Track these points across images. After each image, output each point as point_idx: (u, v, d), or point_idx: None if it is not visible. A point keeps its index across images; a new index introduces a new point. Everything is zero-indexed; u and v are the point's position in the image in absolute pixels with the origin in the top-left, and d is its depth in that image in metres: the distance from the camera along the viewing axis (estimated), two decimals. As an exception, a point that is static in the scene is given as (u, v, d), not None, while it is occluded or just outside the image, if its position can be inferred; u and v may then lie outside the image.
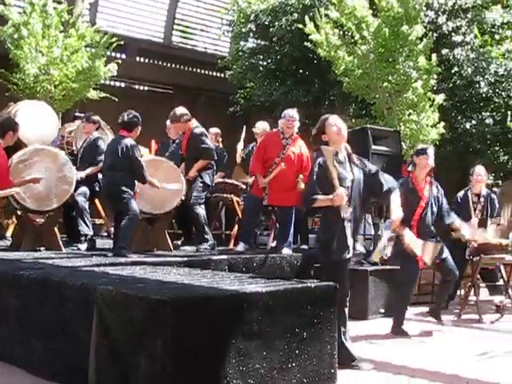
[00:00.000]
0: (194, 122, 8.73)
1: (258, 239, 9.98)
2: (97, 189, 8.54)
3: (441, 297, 7.35)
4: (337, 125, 5.31)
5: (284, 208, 8.55)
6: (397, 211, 5.34)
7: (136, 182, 7.57)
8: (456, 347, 6.28)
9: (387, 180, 5.35)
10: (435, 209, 6.88)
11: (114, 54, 12.41)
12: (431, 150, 7.00)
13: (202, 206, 8.53)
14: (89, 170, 8.43)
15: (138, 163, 7.47)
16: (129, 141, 7.45)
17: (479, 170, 8.63)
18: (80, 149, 8.91)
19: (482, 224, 8.58)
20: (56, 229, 7.84)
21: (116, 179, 7.41)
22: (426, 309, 7.56)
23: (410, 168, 7.07)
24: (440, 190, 7.02)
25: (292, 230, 8.60)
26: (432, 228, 6.88)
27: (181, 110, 8.76)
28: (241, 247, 8.39)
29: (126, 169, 7.41)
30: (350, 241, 5.12)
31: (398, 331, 6.67)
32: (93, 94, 11.30)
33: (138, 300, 3.97)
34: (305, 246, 10.20)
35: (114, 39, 11.43)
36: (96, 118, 8.91)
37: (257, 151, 8.66)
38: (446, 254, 6.83)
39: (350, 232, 5.10)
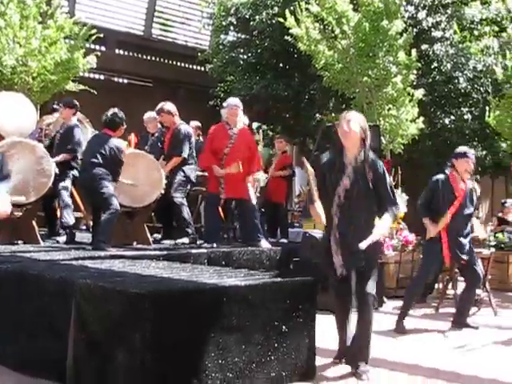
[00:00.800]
0: (178, 120, 8.79)
1: (236, 233, 9.97)
2: (74, 174, 8.43)
3: (463, 306, 6.99)
4: (343, 125, 4.84)
5: (243, 199, 8.49)
6: (379, 229, 4.84)
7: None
8: (434, 340, 6.32)
9: (392, 210, 4.88)
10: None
11: (93, 46, 12.29)
12: (472, 154, 6.86)
13: (185, 200, 8.53)
14: (61, 157, 8.31)
15: (120, 164, 7.56)
16: (117, 142, 7.54)
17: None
18: (56, 133, 8.81)
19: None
20: (34, 222, 7.78)
21: (97, 175, 7.39)
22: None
23: (447, 171, 6.83)
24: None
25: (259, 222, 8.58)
26: (465, 228, 6.80)
27: (170, 105, 8.87)
28: (207, 246, 8.18)
29: (109, 166, 7.41)
30: (336, 258, 4.85)
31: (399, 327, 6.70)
32: (71, 87, 11.19)
33: (116, 294, 3.95)
34: (284, 240, 10.23)
35: (93, 31, 11.32)
36: (74, 102, 8.80)
37: (205, 145, 8.59)
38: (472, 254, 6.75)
39: (336, 245, 4.85)
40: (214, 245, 8.08)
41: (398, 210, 5.09)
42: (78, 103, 8.84)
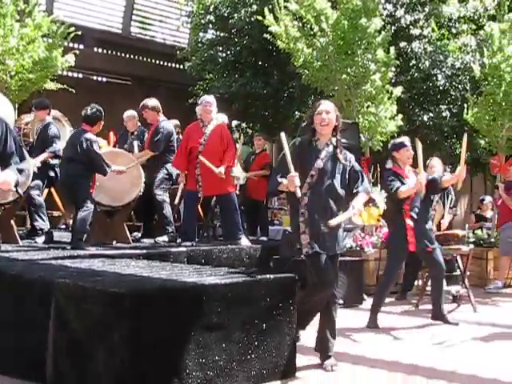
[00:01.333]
0: (162, 117, 8.80)
1: (216, 231, 9.98)
2: (52, 174, 8.41)
3: (435, 298, 6.99)
4: (321, 113, 5.01)
5: (222, 195, 8.47)
6: (354, 207, 4.96)
7: (96, 174, 7.55)
8: (413, 337, 6.36)
9: (364, 183, 5.11)
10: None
11: (71, 45, 12.22)
12: (408, 141, 7.04)
13: (167, 197, 8.54)
14: (41, 157, 8.28)
15: (96, 157, 7.41)
16: (89, 135, 7.44)
17: (433, 163, 8.80)
18: (36, 136, 8.80)
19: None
20: (13, 221, 7.74)
21: (73, 171, 7.38)
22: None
23: (388, 165, 7.03)
24: None
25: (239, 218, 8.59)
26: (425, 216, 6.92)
27: (154, 101, 8.93)
28: (186, 244, 8.18)
29: (84, 161, 7.35)
30: (303, 236, 4.92)
31: (371, 323, 6.74)
32: (50, 85, 11.13)
33: (95, 293, 3.94)
34: (264, 238, 10.25)
35: (71, 29, 11.26)
36: (45, 102, 8.81)
37: (181, 144, 8.59)
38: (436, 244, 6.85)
39: (304, 224, 4.92)
40: (192, 243, 8.07)
41: (370, 190, 5.21)
42: (48, 101, 8.84)
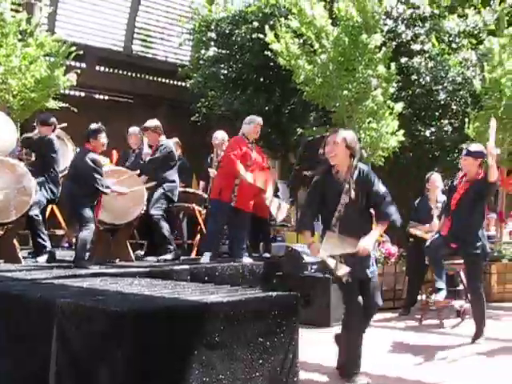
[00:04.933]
0: (163, 138, 8.82)
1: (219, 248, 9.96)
2: (54, 192, 8.38)
3: None
4: (328, 144, 5.14)
5: (247, 212, 8.61)
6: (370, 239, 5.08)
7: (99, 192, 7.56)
8: (417, 352, 6.33)
9: (390, 210, 5.11)
10: None
11: (73, 63, 12.27)
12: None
13: (163, 217, 8.52)
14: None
15: (97, 177, 7.45)
16: (92, 155, 7.48)
17: (434, 177, 8.85)
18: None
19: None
20: (15, 241, 7.74)
21: (75, 190, 7.40)
22: (386, 315, 7.62)
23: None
24: None
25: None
26: None
27: (156, 122, 8.92)
28: (206, 258, 8.31)
29: (88, 182, 7.38)
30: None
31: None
32: (52, 104, 11.17)
33: (97, 312, 3.93)
34: (267, 255, 10.22)
35: (73, 48, 11.32)
36: (51, 119, 8.62)
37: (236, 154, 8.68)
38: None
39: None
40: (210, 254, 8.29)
41: (394, 215, 5.14)
42: (54, 119, 8.72)
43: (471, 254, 6.72)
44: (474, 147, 7.01)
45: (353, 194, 5.01)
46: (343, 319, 5.21)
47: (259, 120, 8.70)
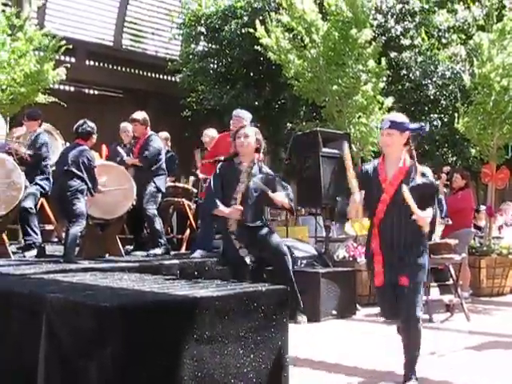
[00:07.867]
0: (149, 130, 8.81)
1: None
2: (45, 187, 8.37)
3: None
4: (241, 137, 5.90)
5: None
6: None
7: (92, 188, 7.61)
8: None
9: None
10: None
11: (62, 58, 12.22)
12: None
13: (156, 211, 8.53)
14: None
15: (94, 173, 7.60)
16: (89, 152, 7.57)
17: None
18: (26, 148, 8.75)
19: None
20: (4, 236, 7.71)
21: (69, 185, 7.38)
22: (375, 309, 7.61)
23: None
24: None
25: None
26: None
27: (144, 115, 8.89)
28: (197, 254, 8.27)
29: (82, 177, 7.42)
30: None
31: None
32: (41, 99, 11.13)
33: (86, 307, 3.92)
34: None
35: (62, 42, 11.27)
36: (36, 113, 8.73)
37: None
38: None
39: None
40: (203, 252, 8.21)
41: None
42: (40, 112, 8.77)
43: None
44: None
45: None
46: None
47: (235, 112, 8.58)
